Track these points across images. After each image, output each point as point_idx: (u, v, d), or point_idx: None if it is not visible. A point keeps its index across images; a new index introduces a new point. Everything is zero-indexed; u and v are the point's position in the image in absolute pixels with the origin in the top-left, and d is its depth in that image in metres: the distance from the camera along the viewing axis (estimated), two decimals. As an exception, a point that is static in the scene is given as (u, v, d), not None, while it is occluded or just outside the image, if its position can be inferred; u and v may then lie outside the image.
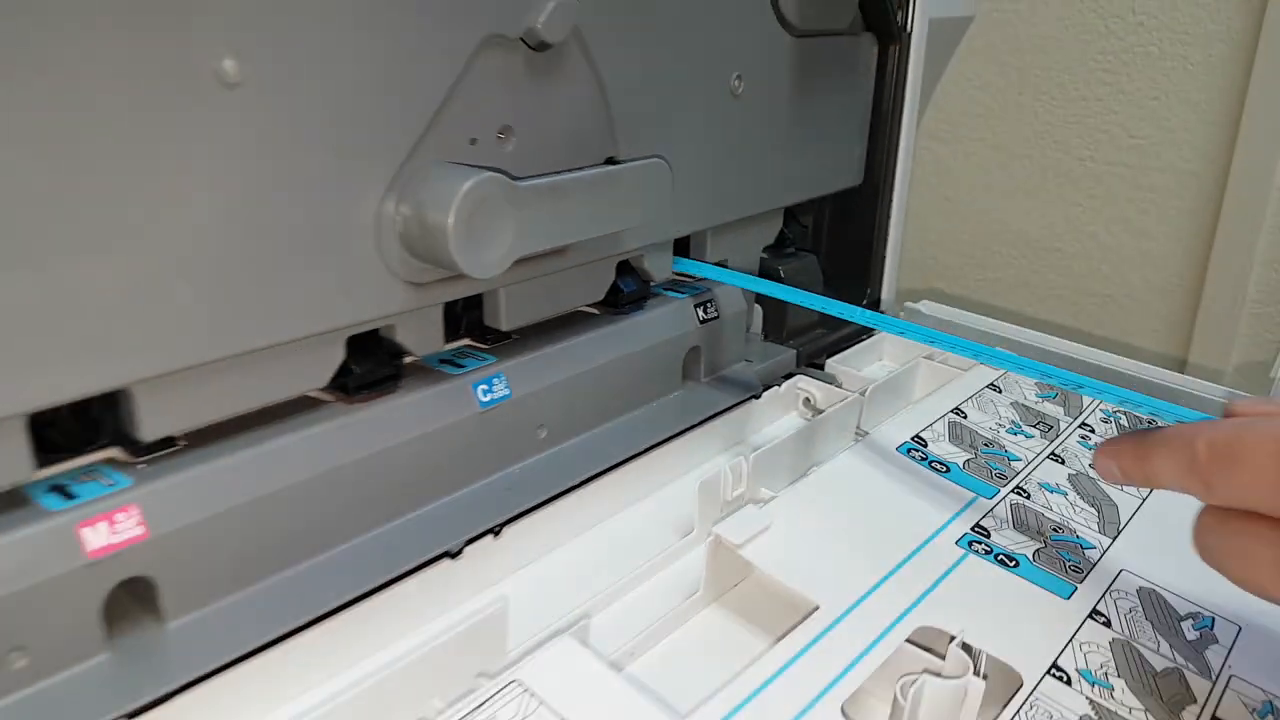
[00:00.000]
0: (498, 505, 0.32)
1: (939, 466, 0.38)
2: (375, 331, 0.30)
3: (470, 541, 0.30)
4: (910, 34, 0.49)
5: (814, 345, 0.49)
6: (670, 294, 0.42)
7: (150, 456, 0.26)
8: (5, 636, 0.22)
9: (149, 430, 0.25)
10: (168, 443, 0.26)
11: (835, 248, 0.54)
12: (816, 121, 0.46)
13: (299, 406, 0.29)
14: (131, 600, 0.25)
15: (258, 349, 0.26)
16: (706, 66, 0.38)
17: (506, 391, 0.33)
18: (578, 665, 0.25)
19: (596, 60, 0.33)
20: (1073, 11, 0.77)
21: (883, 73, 0.49)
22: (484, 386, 0.33)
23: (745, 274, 0.41)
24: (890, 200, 0.52)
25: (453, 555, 0.30)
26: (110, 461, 0.26)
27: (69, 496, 0.24)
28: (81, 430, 0.25)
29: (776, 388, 0.43)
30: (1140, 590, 0.31)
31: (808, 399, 0.45)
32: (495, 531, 0.31)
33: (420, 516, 0.31)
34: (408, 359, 0.32)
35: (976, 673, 0.27)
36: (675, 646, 0.30)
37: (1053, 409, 0.44)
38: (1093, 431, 0.42)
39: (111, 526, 0.24)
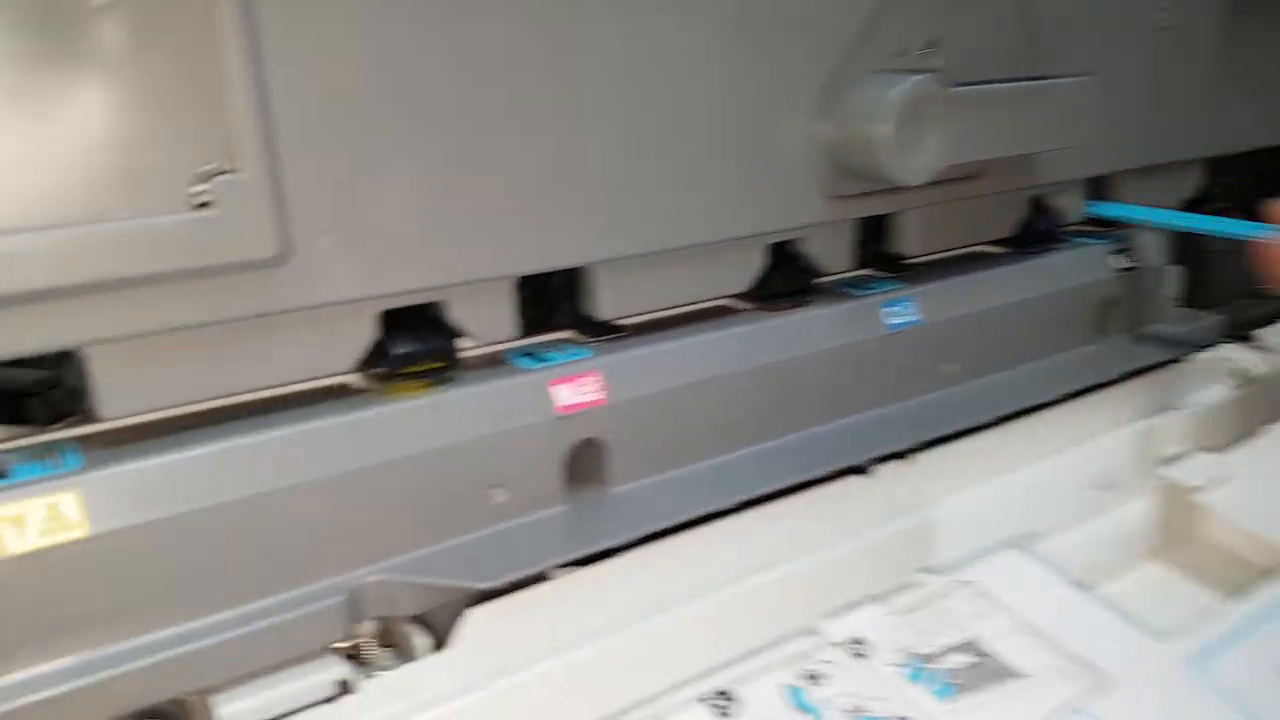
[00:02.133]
0: (910, 429, 0.32)
1: None
2: (789, 248, 0.31)
3: (879, 460, 0.30)
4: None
5: (1241, 314, 0.44)
6: (1083, 240, 0.40)
7: (603, 338, 0.28)
8: (489, 472, 0.25)
9: (606, 309, 0.27)
10: (614, 329, 0.28)
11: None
12: (1257, 63, 0.42)
13: (719, 313, 0.30)
14: (585, 463, 0.27)
15: (697, 244, 0.27)
16: (1134, -7, 0.36)
17: (916, 317, 0.33)
18: (1028, 574, 0.24)
19: (1026, -24, 0.32)
20: None
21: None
22: (894, 309, 0.33)
23: (1171, 210, 0.38)
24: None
25: (861, 471, 0.30)
26: (569, 340, 0.28)
27: (540, 360, 0.26)
28: (542, 311, 0.28)
29: (1204, 352, 0.40)
30: None
31: (1238, 368, 0.40)
32: (904, 455, 0.31)
33: (829, 430, 0.31)
34: (817, 280, 0.33)
35: None
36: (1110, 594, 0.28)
37: None
38: None
39: (577, 387, 0.26)
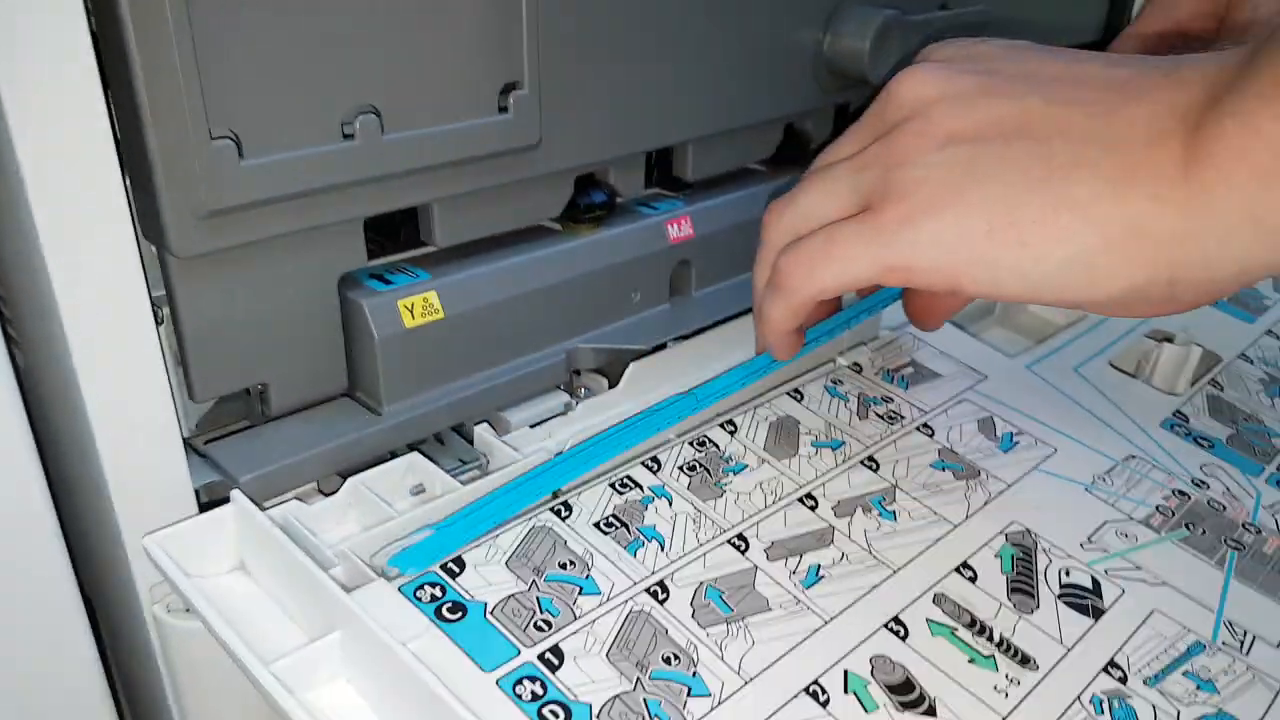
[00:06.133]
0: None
1: None
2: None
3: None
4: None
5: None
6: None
7: (686, 192, 0.42)
8: (631, 281, 0.39)
9: (694, 172, 0.41)
10: (691, 185, 0.43)
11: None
12: None
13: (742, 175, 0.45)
14: (679, 278, 0.42)
15: (738, 127, 0.42)
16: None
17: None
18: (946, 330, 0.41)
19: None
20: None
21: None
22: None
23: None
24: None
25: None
26: (667, 195, 0.42)
27: (656, 210, 0.40)
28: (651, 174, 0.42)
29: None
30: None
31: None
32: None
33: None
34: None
35: None
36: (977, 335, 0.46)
37: None
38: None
39: (679, 228, 0.40)
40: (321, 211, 0.29)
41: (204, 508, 0.30)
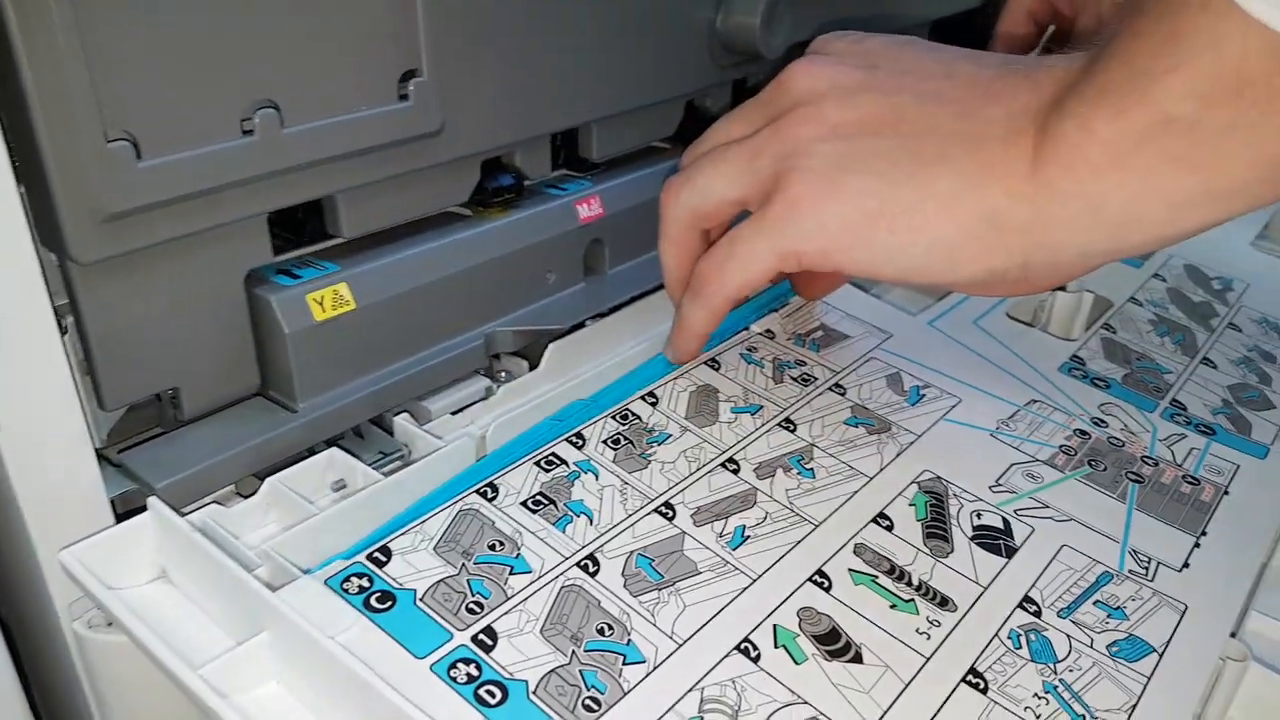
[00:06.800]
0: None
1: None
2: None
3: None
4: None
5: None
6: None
7: (596, 171, 0.43)
8: (545, 263, 0.39)
9: (599, 152, 0.41)
10: (597, 165, 0.43)
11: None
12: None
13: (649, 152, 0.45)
14: (594, 256, 0.42)
15: (639, 107, 0.42)
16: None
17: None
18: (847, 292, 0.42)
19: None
20: None
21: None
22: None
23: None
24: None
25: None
26: (574, 175, 0.42)
27: (564, 190, 0.41)
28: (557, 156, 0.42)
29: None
30: None
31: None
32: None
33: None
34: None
35: None
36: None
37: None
38: None
39: (589, 207, 0.40)
40: (224, 209, 0.29)
41: (121, 518, 0.29)
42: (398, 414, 0.35)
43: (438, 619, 0.27)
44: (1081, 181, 0.27)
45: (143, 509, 0.29)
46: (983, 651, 0.28)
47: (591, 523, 0.31)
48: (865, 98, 0.32)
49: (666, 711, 0.25)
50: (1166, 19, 0.24)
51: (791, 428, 0.36)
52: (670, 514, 0.31)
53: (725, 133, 0.36)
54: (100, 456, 0.29)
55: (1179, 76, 0.24)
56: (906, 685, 0.26)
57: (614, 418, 0.35)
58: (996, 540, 0.32)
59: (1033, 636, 0.28)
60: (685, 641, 0.27)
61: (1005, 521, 0.32)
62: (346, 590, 0.27)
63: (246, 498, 0.31)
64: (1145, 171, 0.25)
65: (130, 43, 0.25)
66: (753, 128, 0.34)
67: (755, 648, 0.27)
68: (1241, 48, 0.22)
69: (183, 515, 0.28)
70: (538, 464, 0.33)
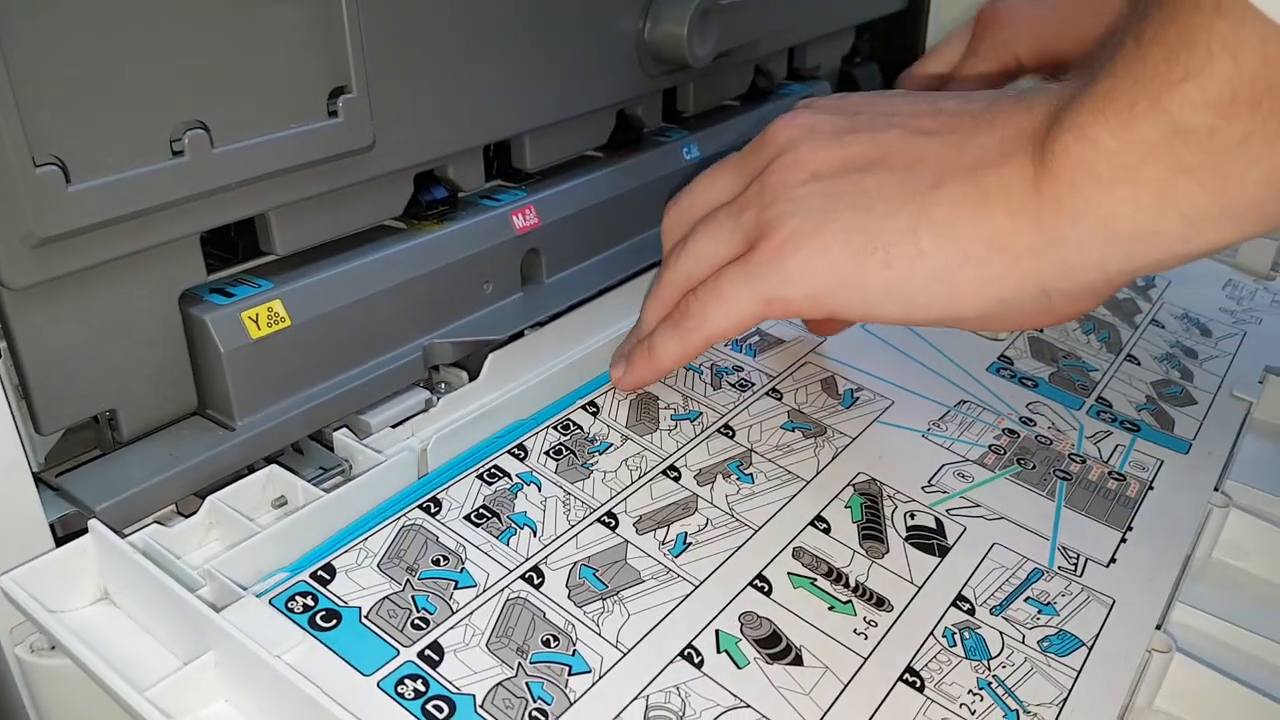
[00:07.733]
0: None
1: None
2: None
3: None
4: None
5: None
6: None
7: (530, 181, 0.43)
8: (481, 273, 0.40)
9: (532, 163, 0.42)
10: (531, 176, 0.43)
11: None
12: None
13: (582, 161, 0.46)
14: (531, 266, 0.42)
15: (570, 117, 0.42)
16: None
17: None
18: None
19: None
20: None
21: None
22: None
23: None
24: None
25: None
26: (510, 186, 0.43)
27: (499, 201, 0.41)
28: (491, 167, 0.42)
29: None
30: None
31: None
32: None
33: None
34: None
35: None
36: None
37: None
38: None
39: (524, 217, 0.41)
40: (156, 230, 0.29)
41: (61, 541, 0.29)
42: (337, 429, 0.35)
43: (383, 636, 0.27)
44: (1089, 197, 0.25)
45: (83, 531, 0.29)
46: (919, 650, 0.29)
47: (535, 534, 0.31)
48: (847, 139, 0.31)
49: (613, 720, 0.25)
50: (1176, 25, 0.22)
51: (730, 434, 0.36)
52: (613, 523, 0.32)
53: (709, 186, 0.36)
54: (38, 480, 0.29)
55: (1193, 85, 0.22)
56: (846, 685, 0.27)
57: (555, 428, 0.36)
58: (930, 540, 0.33)
59: (967, 634, 0.29)
60: (630, 650, 0.27)
61: (938, 521, 0.33)
62: (291, 609, 0.27)
63: (187, 517, 0.31)
64: (1156, 185, 0.24)
65: (55, 67, 0.25)
66: (739, 184, 0.34)
67: (698, 654, 0.28)
68: (1261, 54, 0.21)
69: (124, 536, 0.28)
70: (480, 477, 0.33)
